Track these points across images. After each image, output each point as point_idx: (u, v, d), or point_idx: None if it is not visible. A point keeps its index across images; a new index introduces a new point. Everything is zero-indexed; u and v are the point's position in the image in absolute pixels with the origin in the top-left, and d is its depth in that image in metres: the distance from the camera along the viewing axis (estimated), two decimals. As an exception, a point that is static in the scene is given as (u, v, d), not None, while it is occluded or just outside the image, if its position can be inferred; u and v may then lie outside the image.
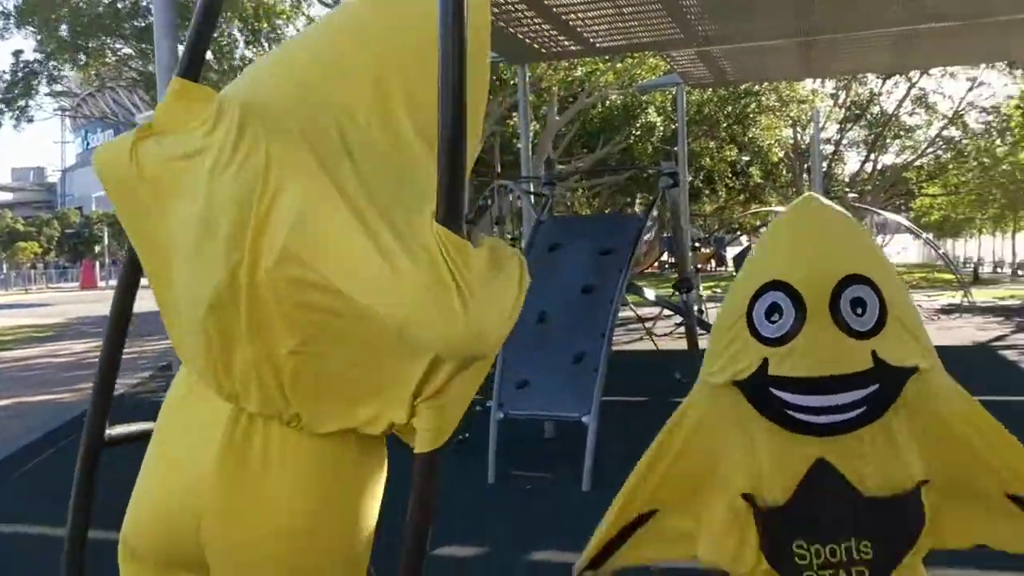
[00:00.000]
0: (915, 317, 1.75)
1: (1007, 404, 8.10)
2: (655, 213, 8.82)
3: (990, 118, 33.34)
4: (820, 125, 32.51)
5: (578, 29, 8.93)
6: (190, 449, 1.60)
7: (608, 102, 23.02)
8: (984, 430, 1.73)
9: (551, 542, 4.73)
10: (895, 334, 1.65)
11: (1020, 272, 32.78)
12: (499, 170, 21.19)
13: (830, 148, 36.49)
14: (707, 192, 32.37)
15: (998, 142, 32.19)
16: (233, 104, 1.51)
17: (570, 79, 19.73)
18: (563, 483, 5.74)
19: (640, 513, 1.87)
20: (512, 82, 16.07)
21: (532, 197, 8.11)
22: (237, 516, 1.55)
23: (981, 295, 21.72)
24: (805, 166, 33.30)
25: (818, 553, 1.68)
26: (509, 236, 9.19)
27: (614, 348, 6.57)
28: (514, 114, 16.95)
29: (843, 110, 35.02)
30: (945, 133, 35.37)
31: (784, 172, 35.59)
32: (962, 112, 34.27)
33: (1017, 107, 26.19)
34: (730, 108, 24.42)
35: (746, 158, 30.70)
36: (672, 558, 1.97)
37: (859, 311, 1.63)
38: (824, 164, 34.66)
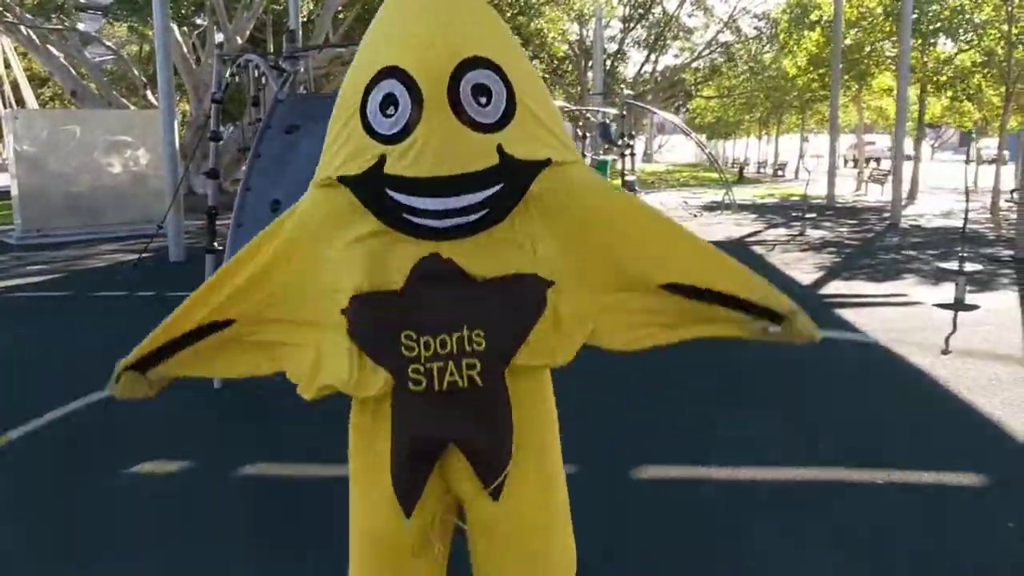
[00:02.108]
0: (549, 107, 1.54)
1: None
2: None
3: (761, 24, 34.97)
4: (604, 22, 32.94)
5: None
6: None
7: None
8: (640, 220, 1.62)
9: (277, 450, 4.38)
10: (524, 126, 1.47)
11: (780, 172, 35.07)
12: (271, 51, 19.72)
13: (615, 47, 37.08)
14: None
15: (766, 48, 33.84)
16: None
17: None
18: (293, 387, 5.33)
19: (210, 321, 1.68)
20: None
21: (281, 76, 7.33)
22: None
23: (742, 193, 23.02)
24: (590, 63, 33.63)
25: (427, 345, 1.51)
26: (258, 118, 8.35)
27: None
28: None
29: (626, 8, 35.49)
30: (721, 37, 36.81)
31: (570, 69, 35.82)
32: (737, 17, 35.73)
33: (784, 12, 27.41)
34: (513, -3, 23.93)
35: (530, 52, 30.48)
36: (250, 372, 1.79)
37: (483, 100, 1.42)
38: (608, 62, 35.24)
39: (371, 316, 1.54)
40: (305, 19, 19.36)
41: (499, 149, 1.44)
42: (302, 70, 6.97)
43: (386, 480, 1.65)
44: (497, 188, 1.46)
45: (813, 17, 23.24)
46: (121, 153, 14.51)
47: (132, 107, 20.85)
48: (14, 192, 13.61)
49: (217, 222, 8.85)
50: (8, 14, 18.26)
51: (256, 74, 7.65)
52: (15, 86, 29.41)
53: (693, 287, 1.62)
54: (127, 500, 3.79)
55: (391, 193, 1.46)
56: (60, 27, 18.58)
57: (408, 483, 1.64)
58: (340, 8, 20.97)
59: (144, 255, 9.92)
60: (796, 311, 1.65)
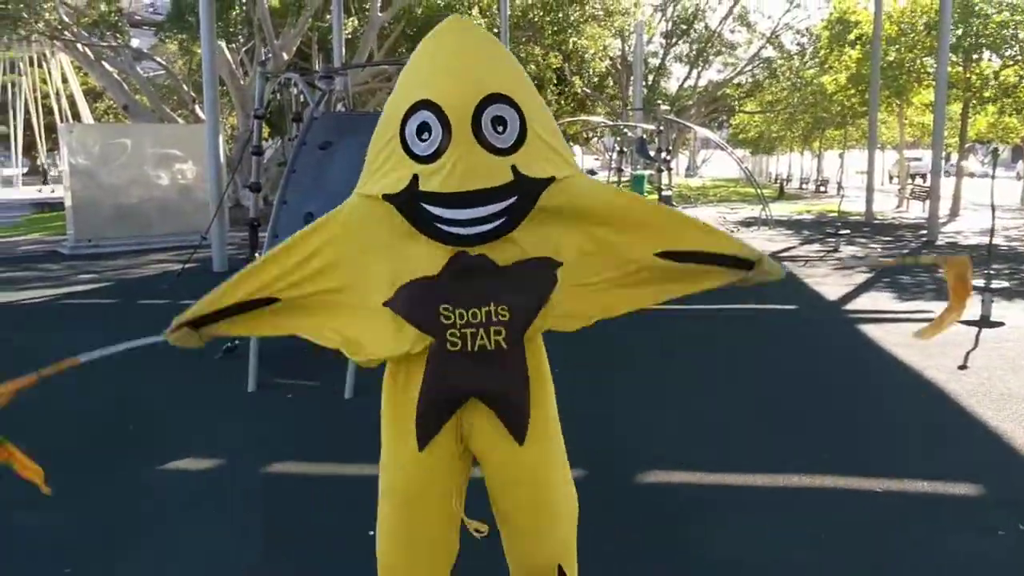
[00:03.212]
0: (554, 133, 1.88)
1: (768, 311, 8.58)
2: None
3: (804, 40, 34.83)
4: (645, 38, 33.06)
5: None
6: None
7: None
8: (639, 207, 1.98)
9: (306, 451, 4.60)
10: (535, 149, 1.80)
11: (822, 188, 34.79)
12: (316, 68, 20.17)
13: (657, 62, 37.16)
14: (537, 100, 32.19)
15: (808, 63, 33.65)
16: None
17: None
18: (325, 391, 5.59)
19: (257, 297, 1.98)
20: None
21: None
22: None
23: (781, 209, 22.97)
24: (631, 78, 33.76)
25: (461, 316, 1.87)
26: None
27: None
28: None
29: (669, 23, 35.60)
30: (763, 53, 36.72)
31: (612, 84, 35.98)
32: (779, 32, 35.64)
33: (825, 28, 27.29)
34: (553, 15, 24.12)
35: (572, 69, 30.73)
36: (292, 332, 2.04)
37: (500, 129, 1.75)
38: (650, 77, 35.33)
39: (417, 295, 1.88)
40: (350, 36, 19.77)
41: (513, 169, 1.77)
42: (339, 88, 7.25)
43: (411, 424, 1.99)
44: (512, 200, 1.79)
45: (852, 36, 23.12)
46: (170, 166, 15.00)
47: (181, 121, 21.47)
48: (68, 203, 14.14)
49: (259, 234, 9.19)
50: (66, 32, 18.99)
51: (295, 91, 7.99)
52: (71, 101, 30.32)
53: (684, 252, 1.96)
54: (161, 495, 4.03)
55: (425, 206, 1.79)
56: (114, 44, 19.26)
57: (429, 423, 1.99)
58: (386, 24, 21.40)
59: (188, 265, 10.29)
60: (763, 257, 2.00)
